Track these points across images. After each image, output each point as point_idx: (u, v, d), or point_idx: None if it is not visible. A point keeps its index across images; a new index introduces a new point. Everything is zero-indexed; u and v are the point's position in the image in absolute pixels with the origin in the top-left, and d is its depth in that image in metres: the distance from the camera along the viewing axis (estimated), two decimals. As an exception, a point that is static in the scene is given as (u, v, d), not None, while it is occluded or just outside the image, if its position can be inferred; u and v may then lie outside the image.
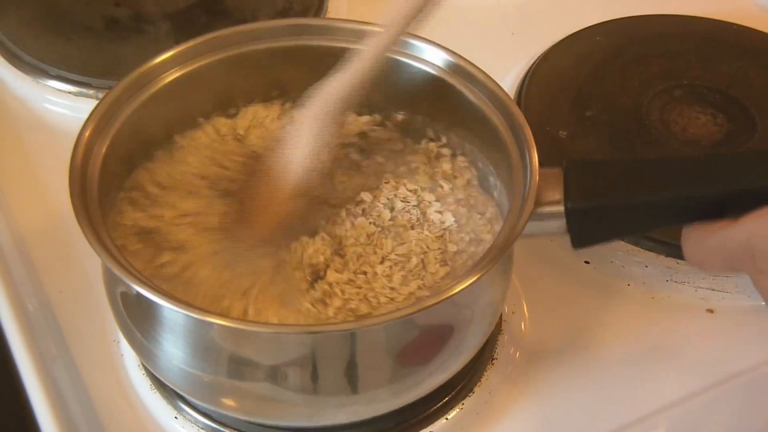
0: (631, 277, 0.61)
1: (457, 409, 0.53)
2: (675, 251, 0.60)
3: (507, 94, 0.53)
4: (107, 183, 0.50)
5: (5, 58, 0.74)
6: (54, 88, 0.72)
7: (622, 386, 0.56)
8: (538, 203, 0.46)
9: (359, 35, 0.56)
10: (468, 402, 0.53)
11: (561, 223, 0.47)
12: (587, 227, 0.48)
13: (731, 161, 0.47)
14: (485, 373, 0.54)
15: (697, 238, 0.45)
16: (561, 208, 0.46)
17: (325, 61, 0.57)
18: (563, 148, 0.67)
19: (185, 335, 0.46)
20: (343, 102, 0.51)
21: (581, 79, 0.73)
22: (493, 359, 0.55)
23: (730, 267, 0.44)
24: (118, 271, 0.43)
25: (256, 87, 0.59)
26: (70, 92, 0.71)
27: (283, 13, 0.78)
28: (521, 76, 0.74)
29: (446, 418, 0.53)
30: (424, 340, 0.46)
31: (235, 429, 0.52)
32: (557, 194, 0.47)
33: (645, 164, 0.49)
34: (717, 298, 0.60)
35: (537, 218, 0.46)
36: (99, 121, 0.50)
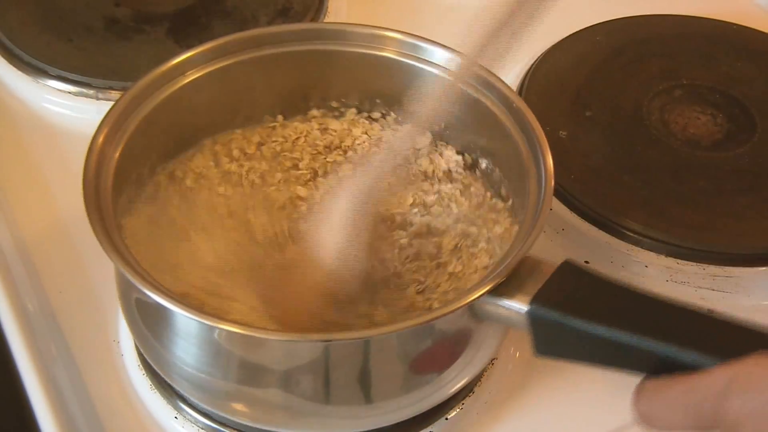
0: (631, 277, 0.61)
1: (457, 409, 0.53)
2: (675, 251, 0.61)
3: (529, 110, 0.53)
4: (121, 188, 0.50)
5: (5, 58, 0.74)
6: (54, 88, 0.72)
7: (622, 386, 0.55)
8: (509, 292, 0.43)
9: (374, 40, 0.57)
10: (468, 402, 0.53)
11: (525, 322, 0.43)
12: (549, 338, 0.43)
13: (732, 332, 0.39)
14: (485, 373, 0.54)
15: (656, 388, 0.39)
16: (524, 307, 0.43)
17: (339, 67, 0.57)
18: (563, 148, 0.67)
19: (198, 341, 0.46)
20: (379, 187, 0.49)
21: (581, 79, 0.73)
22: (493, 359, 0.55)
23: (693, 423, 0.37)
24: (133, 279, 0.43)
25: (270, 93, 0.59)
26: (70, 92, 0.71)
27: (284, 14, 0.78)
28: (521, 76, 0.74)
29: (446, 418, 0.53)
30: (436, 350, 0.46)
31: (235, 429, 0.52)
32: (530, 291, 0.43)
33: (641, 299, 0.42)
34: (717, 298, 0.60)
35: (501, 308, 0.43)
36: (112, 126, 0.50)
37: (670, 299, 0.41)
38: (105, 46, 0.74)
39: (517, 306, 0.43)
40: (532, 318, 0.42)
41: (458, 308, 0.43)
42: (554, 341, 0.43)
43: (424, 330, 0.45)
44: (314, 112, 0.60)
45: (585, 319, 0.40)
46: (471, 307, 0.44)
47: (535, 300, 0.42)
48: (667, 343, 0.38)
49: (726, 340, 0.38)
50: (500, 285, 0.43)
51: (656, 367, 0.39)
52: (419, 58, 0.57)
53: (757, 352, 0.36)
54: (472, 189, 0.57)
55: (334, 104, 0.60)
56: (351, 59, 0.58)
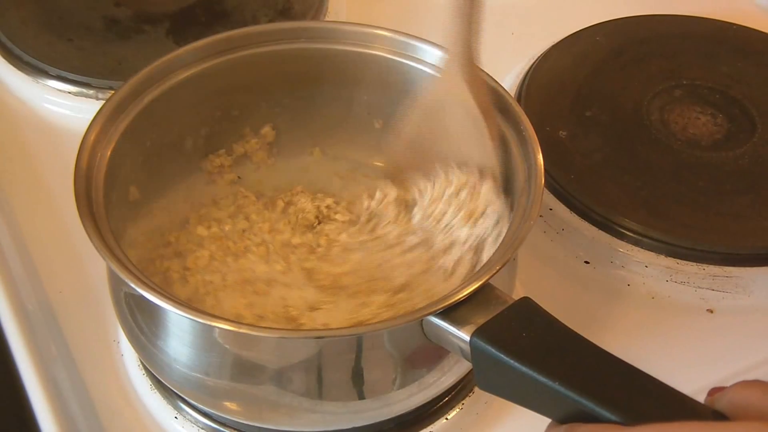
0: (631, 277, 0.61)
1: (457, 409, 0.53)
2: (675, 251, 0.61)
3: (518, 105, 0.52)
4: (112, 186, 0.50)
5: (5, 58, 0.74)
6: (54, 88, 0.72)
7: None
8: (457, 318, 0.42)
9: (364, 38, 0.57)
10: (468, 402, 0.53)
11: (467, 352, 0.42)
12: (489, 373, 0.42)
13: (655, 396, 0.38)
14: (485, 373, 0.54)
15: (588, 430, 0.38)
16: (467, 336, 0.41)
17: (330, 65, 0.57)
18: (563, 148, 0.67)
19: (190, 339, 0.46)
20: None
21: (581, 79, 0.73)
22: (493, 359, 0.55)
23: None
24: (124, 276, 0.43)
25: (264, 90, 0.59)
26: (70, 92, 0.71)
27: (284, 14, 0.78)
28: (521, 76, 0.74)
29: (446, 418, 0.53)
30: (428, 345, 0.45)
31: (235, 429, 0.52)
32: (477, 321, 0.41)
33: (582, 349, 0.41)
34: (717, 298, 0.60)
35: (447, 332, 0.42)
36: (103, 124, 0.50)
37: (612, 356, 0.39)
38: (105, 46, 0.75)
39: (461, 334, 0.41)
40: (473, 350, 0.41)
41: (403, 323, 0.43)
42: (494, 377, 0.41)
43: (396, 332, 0.44)
44: None
45: (520, 361, 0.39)
46: (421, 324, 0.43)
47: (479, 332, 0.41)
48: (586, 396, 0.37)
49: (646, 403, 0.38)
50: (450, 309, 0.42)
51: (580, 420, 0.38)
52: (412, 56, 0.57)
53: (673, 421, 0.35)
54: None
55: None
56: (343, 57, 0.58)
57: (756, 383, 0.36)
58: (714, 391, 0.39)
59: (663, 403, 0.38)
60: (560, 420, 0.39)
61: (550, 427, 0.40)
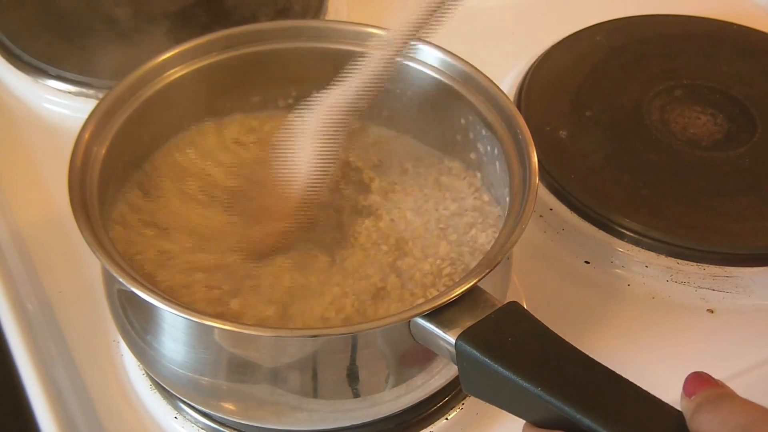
0: (631, 277, 0.61)
1: (457, 409, 0.53)
2: (675, 251, 0.61)
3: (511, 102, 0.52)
4: (107, 184, 0.50)
5: (5, 58, 0.74)
6: (54, 88, 0.72)
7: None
8: (443, 320, 0.41)
9: (362, 38, 0.57)
10: (468, 402, 0.53)
11: (453, 354, 0.42)
12: (474, 376, 0.41)
13: (635, 404, 0.38)
14: (485, 373, 0.54)
15: None
16: (452, 339, 0.41)
17: (327, 64, 0.57)
18: (563, 148, 0.67)
19: (184, 338, 0.46)
20: (348, 112, 0.49)
21: (581, 79, 0.73)
22: (493, 359, 0.55)
23: None
24: (117, 274, 0.43)
25: (258, 89, 0.59)
26: (70, 92, 0.71)
27: (283, 13, 0.78)
28: (521, 76, 0.74)
29: (446, 418, 0.53)
30: (416, 347, 0.45)
31: (234, 429, 0.52)
32: (463, 324, 0.41)
33: (567, 355, 0.40)
34: (717, 298, 0.60)
35: (433, 334, 0.42)
36: (98, 122, 0.50)
37: (596, 362, 0.39)
38: (105, 46, 0.75)
39: (447, 337, 0.41)
40: (459, 353, 0.41)
41: (390, 324, 0.42)
42: (478, 381, 0.41)
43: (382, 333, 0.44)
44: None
45: (504, 366, 0.39)
46: (408, 326, 0.43)
47: (464, 335, 0.41)
48: (568, 403, 0.38)
49: (628, 412, 0.38)
50: (437, 311, 0.42)
51: (564, 427, 0.38)
52: (411, 56, 0.56)
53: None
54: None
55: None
56: (336, 56, 0.58)
57: (719, 404, 0.36)
58: (690, 387, 0.38)
59: (644, 413, 0.38)
60: (543, 426, 0.39)
61: (529, 429, 0.40)
